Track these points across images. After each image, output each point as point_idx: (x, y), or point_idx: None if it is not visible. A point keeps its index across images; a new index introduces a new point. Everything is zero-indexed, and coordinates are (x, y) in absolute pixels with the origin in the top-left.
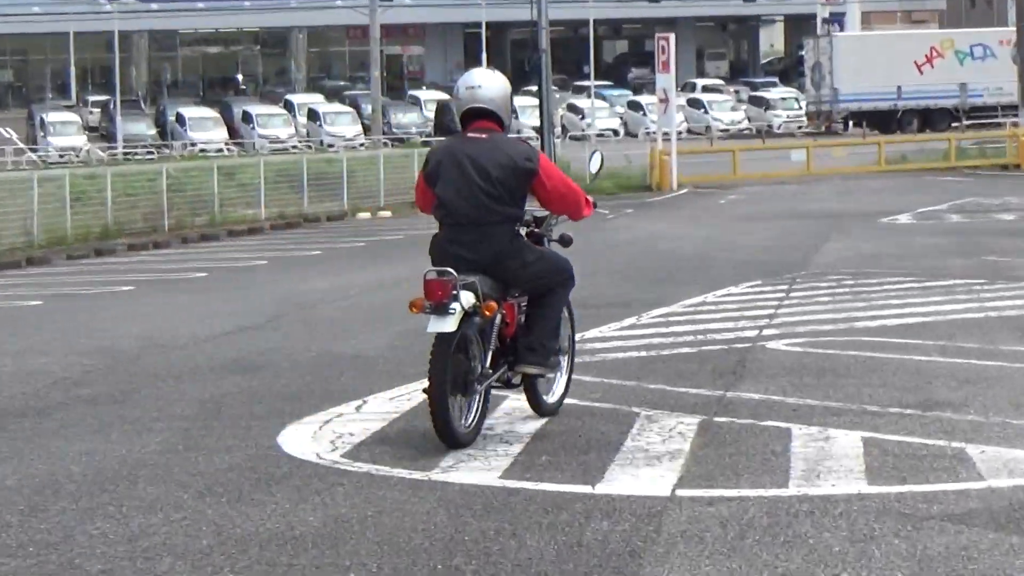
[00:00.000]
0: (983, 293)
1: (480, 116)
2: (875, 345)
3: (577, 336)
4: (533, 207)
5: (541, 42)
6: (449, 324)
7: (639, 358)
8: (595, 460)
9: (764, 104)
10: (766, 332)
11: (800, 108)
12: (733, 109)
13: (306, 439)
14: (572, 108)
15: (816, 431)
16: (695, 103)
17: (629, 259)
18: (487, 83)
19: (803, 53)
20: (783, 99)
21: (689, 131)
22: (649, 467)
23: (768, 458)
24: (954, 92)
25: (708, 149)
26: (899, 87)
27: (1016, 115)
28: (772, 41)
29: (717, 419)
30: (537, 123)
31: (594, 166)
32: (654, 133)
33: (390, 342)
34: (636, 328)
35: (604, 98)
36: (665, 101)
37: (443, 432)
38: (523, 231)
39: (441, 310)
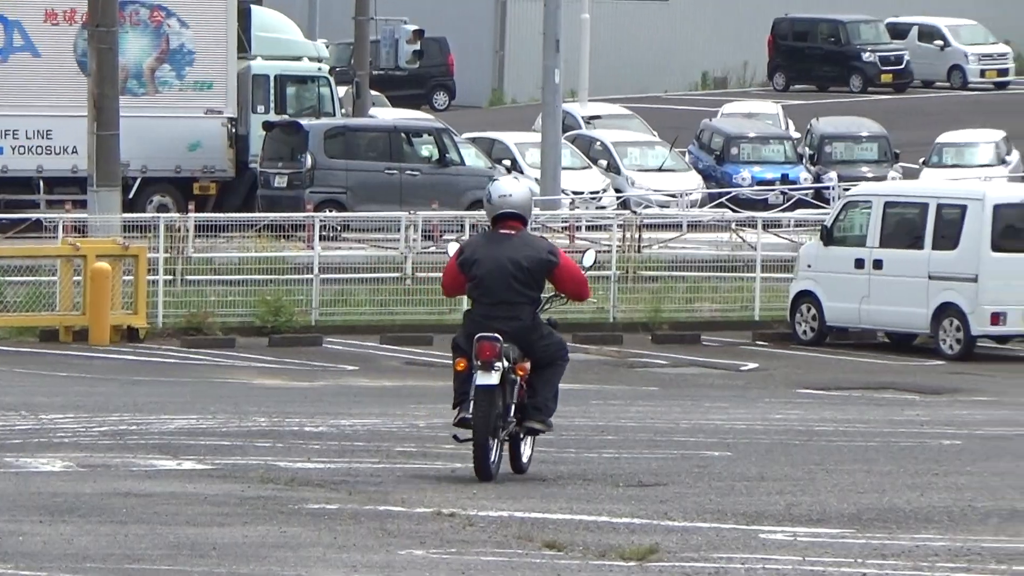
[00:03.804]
0: None
1: (510, 218)
2: None
3: None
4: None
5: None
6: (495, 378)
7: None
8: None
9: None
10: None
11: None
12: None
13: None
14: None
15: None
16: None
17: None
18: (516, 191)
19: None
20: None
21: None
22: None
23: None
24: None
25: None
26: None
27: (79, 192)
28: None
29: None
30: None
31: (588, 261)
32: None
33: None
34: None
35: None
36: None
37: (481, 468)
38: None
39: (488, 366)
